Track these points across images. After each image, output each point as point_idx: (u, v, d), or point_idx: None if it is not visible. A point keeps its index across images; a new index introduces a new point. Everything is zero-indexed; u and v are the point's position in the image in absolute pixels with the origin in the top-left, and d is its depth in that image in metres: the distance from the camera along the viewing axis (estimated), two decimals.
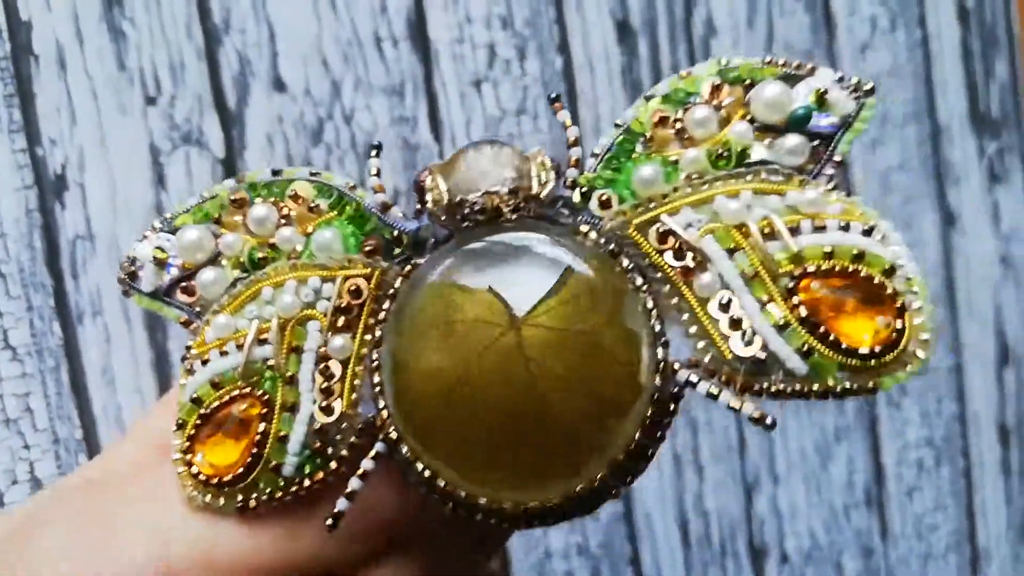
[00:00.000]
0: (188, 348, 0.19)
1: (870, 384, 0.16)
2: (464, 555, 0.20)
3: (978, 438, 0.40)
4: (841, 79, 0.18)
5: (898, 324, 0.16)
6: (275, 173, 0.19)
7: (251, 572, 0.17)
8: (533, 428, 0.16)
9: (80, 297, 0.29)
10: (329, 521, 0.17)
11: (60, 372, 0.29)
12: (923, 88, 0.39)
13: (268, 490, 0.17)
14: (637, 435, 0.16)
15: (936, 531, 0.39)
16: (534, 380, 0.16)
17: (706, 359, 0.17)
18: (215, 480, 0.18)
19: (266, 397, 0.18)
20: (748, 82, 0.19)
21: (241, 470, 0.17)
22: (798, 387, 0.16)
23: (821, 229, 0.17)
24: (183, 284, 0.19)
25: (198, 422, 0.18)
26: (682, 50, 0.35)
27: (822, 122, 0.18)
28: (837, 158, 0.18)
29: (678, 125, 0.18)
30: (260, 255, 0.19)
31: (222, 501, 0.18)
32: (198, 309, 0.19)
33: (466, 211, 0.17)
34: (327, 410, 0.17)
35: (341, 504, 0.17)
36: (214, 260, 0.19)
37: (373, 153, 0.19)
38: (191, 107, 0.30)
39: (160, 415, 0.20)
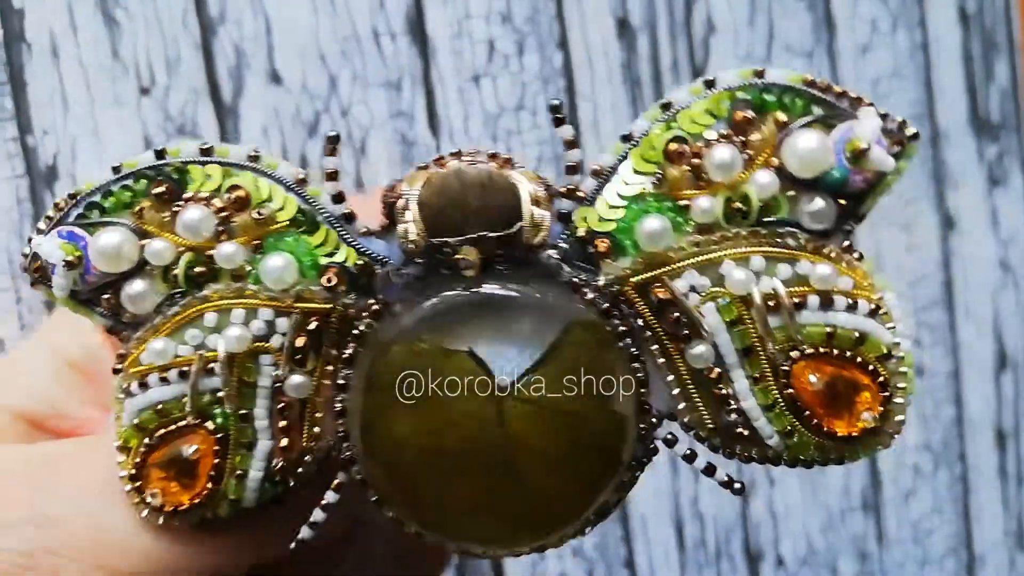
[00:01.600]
0: (120, 357, 0.17)
1: (841, 457, 0.16)
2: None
3: (975, 443, 0.40)
4: (884, 118, 0.17)
5: (880, 409, 0.16)
6: (204, 151, 0.17)
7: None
8: (509, 499, 0.16)
9: None
10: (292, 545, 0.17)
11: None
12: (923, 91, 0.38)
13: (224, 514, 0.17)
14: (611, 499, 0.17)
15: (932, 536, 0.39)
16: (513, 456, 0.15)
17: (686, 419, 0.17)
18: (170, 509, 0.17)
19: (219, 434, 0.17)
20: (784, 119, 0.16)
21: (197, 502, 0.17)
22: (771, 456, 0.16)
23: (828, 307, 0.16)
24: (104, 294, 0.17)
25: (143, 449, 0.17)
26: (682, 48, 0.35)
27: (856, 179, 0.16)
28: (860, 213, 0.17)
29: (696, 162, 0.16)
30: (198, 270, 0.17)
31: (176, 523, 0.17)
32: (125, 319, 0.17)
33: (448, 260, 0.16)
34: (287, 450, 0.17)
35: (305, 532, 0.17)
36: (140, 268, 0.17)
37: (329, 150, 0.17)
38: (186, 98, 0.29)
39: (64, 328, 0.19)
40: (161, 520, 0.17)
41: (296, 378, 0.16)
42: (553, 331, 0.16)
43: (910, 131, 0.17)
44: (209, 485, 0.17)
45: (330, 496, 0.17)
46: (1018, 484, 0.40)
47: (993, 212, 0.40)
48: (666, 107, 0.17)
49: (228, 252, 0.16)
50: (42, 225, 0.17)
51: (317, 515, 0.17)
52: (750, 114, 0.16)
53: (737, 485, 0.17)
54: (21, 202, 0.28)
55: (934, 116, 0.39)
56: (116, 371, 0.17)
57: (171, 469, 0.17)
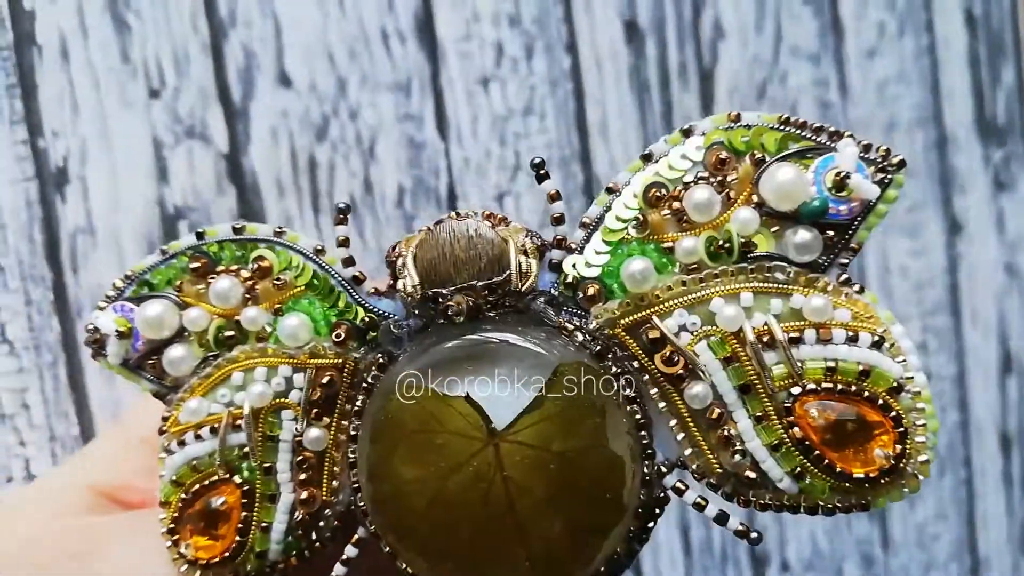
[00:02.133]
0: (164, 420, 0.19)
1: (863, 503, 0.16)
2: None
3: (980, 447, 0.40)
4: (867, 148, 0.16)
5: (898, 448, 0.16)
6: (236, 231, 0.18)
7: None
8: (511, 546, 0.16)
9: (80, 291, 0.28)
10: None
11: (58, 367, 0.28)
12: (930, 94, 0.38)
13: (254, 570, 0.18)
14: (619, 551, 0.16)
15: (937, 540, 0.39)
16: (512, 501, 0.15)
17: (694, 465, 0.16)
18: (203, 562, 0.18)
19: (245, 487, 0.18)
20: (759, 156, 0.17)
21: (227, 554, 0.18)
22: (787, 502, 0.16)
23: (826, 340, 0.16)
24: (150, 360, 0.19)
25: (180, 504, 0.18)
26: (690, 51, 0.35)
27: (840, 208, 0.16)
28: (853, 245, 0.17)
29: (676, 205, 0.17)
30: (227, 334, 0.18)
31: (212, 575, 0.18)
32: (168, 383, 0.19)
33: (441, 308, 0.17)
34: (308, 502, 0.17)
35: None
36: (179, 335, 0.19)
37: (339, 219, 0.18)
38: (195, 101, 0.29)
39: (141, 410, 0.20)
40: (198, 574, 0.18)
41: (313, 432, 0.18)
42: (544, 374, 0.16)
43: (895, 159, 0.16)
44: (237, 538, 0.18)
45: (350, 551, 0.17)
46: (1022, 489, 0.40)
47: (999, 216, 0.40)
48: (647, 158, 0.17)
49: (251, 316, 0.18)
50: (102, 303, 0.19)
51: (339, 570, 0.17)
52: (724, 154, 0.16)
53: (754, 535, 0.16)
54: (31, 204, 0.28)
55: (941, 120, 0.39)
56: (161, 432, 0.19)
57: (202, 521, 0.18)
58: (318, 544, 0.18)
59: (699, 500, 0.16)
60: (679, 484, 0.16)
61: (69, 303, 0.29)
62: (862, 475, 0.16)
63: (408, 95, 0.32)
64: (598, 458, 0.16)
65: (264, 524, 0.18)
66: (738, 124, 0.17)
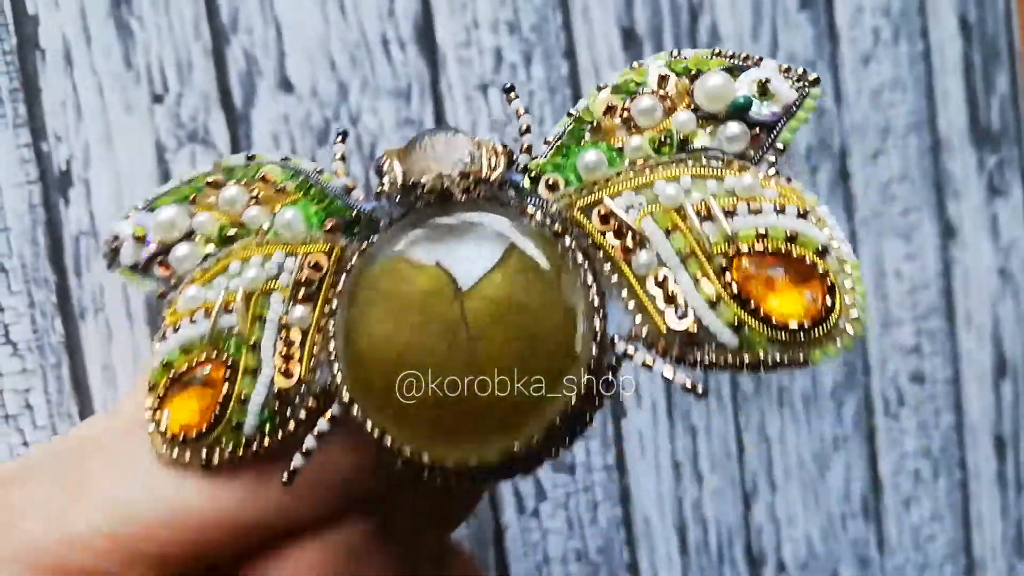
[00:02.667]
0: (162, 318, 0.20)
1: (800, 357, 0.17)
2: (423, 526, 0.21)
3: (975, 449, 0.40)
4: (787, 70, 0.19)
5: (828, 301, 0.17)
6: (249, 159, 0.21)
7: (216, 529, 0.18)
8: (473, 394, 0.17)
9: (83, 293, 0.29)
10: (285, 477, 0.18)
11: (61, 368, 0.29)
12: (924, 100, 0.39)
13: (230, 447, 0.18)
14: (573, 402, 0.17)
15: (933, 542, 0.39)
16: (475, 349, 0.17)
17: (643, 332, 0.18)
18: (181, 436, 0.18)
19: (230, 361, 0.18)
20: (695, 73, 0.19)
21: (204, 427, 0.18)
22: (729, 359, 0.17)
23: (756, 212, 0.18)
24: (160, 259, 0.20)
25: (168, 384, 0.19)
26: None
27: (763, 111, 0.19)
28: (779, 145, 0.19)
29: (625, 114, 0.19)
30: (230, 232, 0.20)
31: (187, 456, 0.18)
32: (173, 282, 0.20)
33: (419, 192, 0.19)
34: (287, 374, 0.18)
35: (297, 461, 0.18)
36: (188, 237, 0.20)
37: (339, 139, 0.21)
38: (197, 105, 0.30)
39: (141, 392, 0.21)
40: (175, 452, 0.18)
41: (299, 309, 0.19)
42: (508, 242, 0.18)
43: (812, 76, 0.19)
44: (216, 413, 0.18)
45: (323, 425, 0.18)
46: (1017, 491, 0.41)
47: (993, 221, 0.40)
48: (601, 88, 0.20)
49: (252, 214, 0.20)
50: (125, 215, 0.21)
51: (310, 442, 0.18)
52: (666, 72, 0.19)
53: (700, 388, 0.17)
54: (34, 207, 0.28)
55: (935, 125, 0.39)
56: (158, 328, 0.20)
57: (184, 393, 0.19)
58: (292, 424, 0.18)
59: (647, 361, 0.17)
60: (628, 349, 0.18)
61: (72, 305, 0.29)
62: (796, 326, 0.17)
63: (408, 100, 0.32)
64: (553, 306, 0.17)
65: (243, 396, 0.18)
66: (678, 57, 0.20)
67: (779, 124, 0.19)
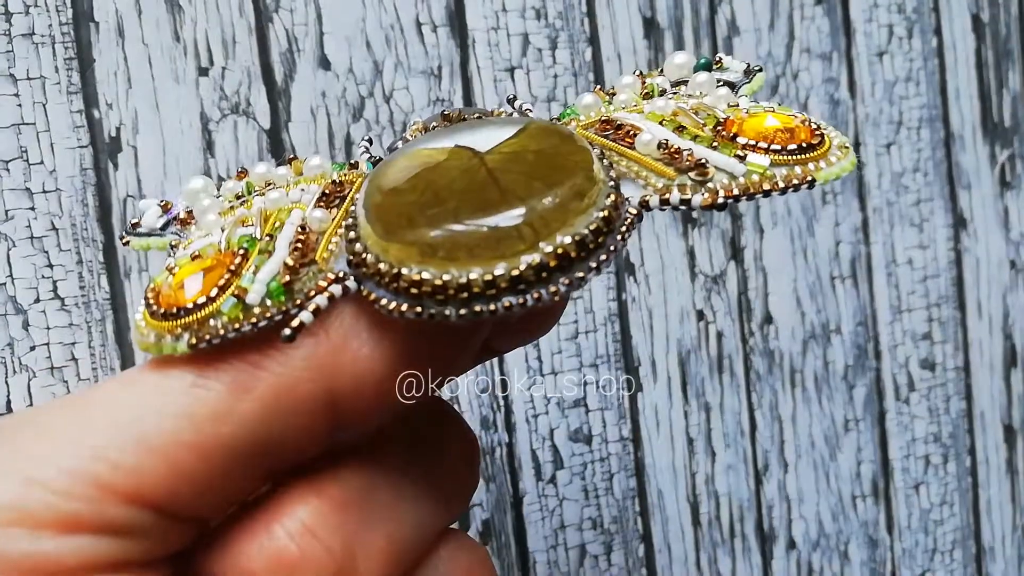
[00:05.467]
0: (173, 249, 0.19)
1: (808, 178, 0.17)
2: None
3: (984, 437, 0.41)
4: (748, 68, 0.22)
5: (818, 134, 0.18)
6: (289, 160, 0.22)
7: (190, 450, 0.15)
8: (489, 203, 0.16)
9: (128, 254, 0.30)
10: (287, 331, 0.15)
11: (106, 324, 0.30)
12: (937, 95, 0.40)
13: (228, 320, 0.15)
14: (585, 228, 0.16)
15: (942, 526, 0.40)
16: (496, 177, 0.17)
17: (658, 184, 0.17)
18: (173, 309, 0.16)
19: (241, 251, 0.17)
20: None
21: (203, 299, 0.16)
22: (741, 189, 0.17)
23: (735, 105, 0.19)
24: (180, 218, 0.19)
25: (166, 279, 0.17)
26: (706, 47, 0.36)
27: (720, 75, 0.22)
28: (740, 93, 0.21)
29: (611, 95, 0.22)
30: (257, 186, 0.20)
31: (174, 336, 0.15)
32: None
33: (433, 123, 0.20)
34: (301, 252, 0.17)
35: (305, 316, 0.16)
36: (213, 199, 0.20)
37: (363, 147, 0.21)
38: (240, 79, 0.31)
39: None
40: (165, 333, 0.15)
41: (319, 211, 0.18)
42: (524, 122, 0.18)
43: (756, 66, 0.22)
44: (221, 283, 0.16)
45: (335, 289, 0.16)
46: None
47: (1004, 214, 0.41)
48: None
49: (281, 172, 0.20)
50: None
51: (321, 300, 0.16)
52: (644, 71, 0.22)
53: (720, 200, 0.17)
54: (85, 171, 0.30)
55: (947, 120, 0.40)
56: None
57: (190, 263, 0.17)
58: (298, 308, 0.16)
59: (663, 198, 0.17)
60: (644, 198, 0.17)
61: (117, 264, 0.30)
62: (795, 145, 0.17)
63: (439, 80, 0.33)
64: (571, 150, 0.18)
65: (254, 268, 0.16)
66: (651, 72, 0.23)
67: (740, 85, 0.21)
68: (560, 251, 0.16)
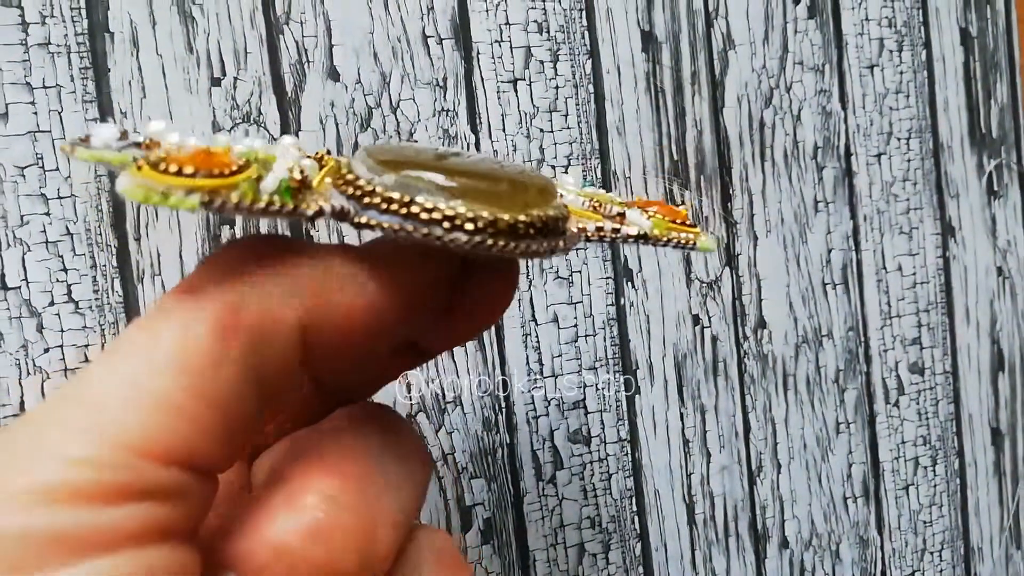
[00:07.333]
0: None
1: (688, 238, 0.21)
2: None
3: (972, 440, 0.42)
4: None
5: (691, 223, 0.22)
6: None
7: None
8: (494, 174, 0.19)
9: (141, 258, 0.31)
10: (311, 211, 0.16)
11: (119, 327, 0.31)
12: (927, 107, 0.41)
13: (242, 196, 0.15)
14: (556, 212, 0.19)
15: (931, 527, 0.41)
16: (498, 161, 0.20)
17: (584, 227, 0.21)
18: (189, 169, 0.14)
19: (244, 162, 0.15)
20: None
21: (221, 171, 0.15)
22: (643, 234, 0.21)
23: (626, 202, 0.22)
24: (144, 143, 0.16)
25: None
26: (702, 59, 0.37)
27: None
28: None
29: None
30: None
31: (186, 190, 0.14)
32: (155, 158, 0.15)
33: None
34: (301, 180, 0.16)
35: (338, 199, 0.17)
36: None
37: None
38: (252, 89, 0.32)
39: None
40: (164, 194, 0.14)
41: (307, 161, 0.17)
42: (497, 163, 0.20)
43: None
44: (234, 168, 0.15)
45: (326, 206, 0.16)
46: (1014, 482, 0.42)
47: (991, 222, 0.42)
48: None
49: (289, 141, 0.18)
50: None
51: (339, 199, 0.17)
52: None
53: (631, 237, 0.21)
54: (99, 177, 0.31)
55: (936, 130, 0.41)
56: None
57: (189, 148, 0.15)
58: (306, 205, 0.16)
59: (596, 225, 0.21)
60: (581, 225, 0.21)
61: (131, 268, 0.31)
62: (681, 220, 0.22)
63: (444, 92, 0.34)
64: (539, 178, 0.20)
65: (265, 166, 0.16)
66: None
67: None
68: (543, 219, 0.19)
